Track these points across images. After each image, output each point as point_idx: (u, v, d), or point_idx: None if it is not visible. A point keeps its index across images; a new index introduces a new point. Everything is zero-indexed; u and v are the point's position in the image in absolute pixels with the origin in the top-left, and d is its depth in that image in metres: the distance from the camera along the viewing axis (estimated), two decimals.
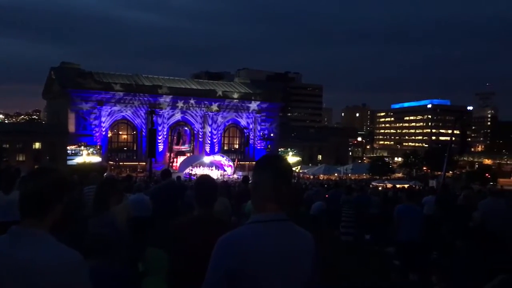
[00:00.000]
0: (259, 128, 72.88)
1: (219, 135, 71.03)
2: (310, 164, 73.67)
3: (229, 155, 64.25)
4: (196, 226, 3.11)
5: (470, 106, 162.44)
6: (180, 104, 66.89)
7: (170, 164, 58.79)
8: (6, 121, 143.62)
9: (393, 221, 7.65)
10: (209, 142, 69.15)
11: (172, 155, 64.45)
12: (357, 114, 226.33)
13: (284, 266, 2.03)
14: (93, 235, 3.61)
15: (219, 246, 2.05)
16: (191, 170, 53.03)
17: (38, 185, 2.04)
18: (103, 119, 62.07)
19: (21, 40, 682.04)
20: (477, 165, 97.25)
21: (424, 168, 77.56)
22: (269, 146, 66.37)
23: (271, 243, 2.03)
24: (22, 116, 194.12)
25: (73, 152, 53.48)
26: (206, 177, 3.58)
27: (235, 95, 72.03)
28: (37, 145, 61.06)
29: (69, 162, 50.52)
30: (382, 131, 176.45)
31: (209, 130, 69.27)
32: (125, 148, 66.66)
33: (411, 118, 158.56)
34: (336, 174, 60.26)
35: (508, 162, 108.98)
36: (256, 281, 1.99)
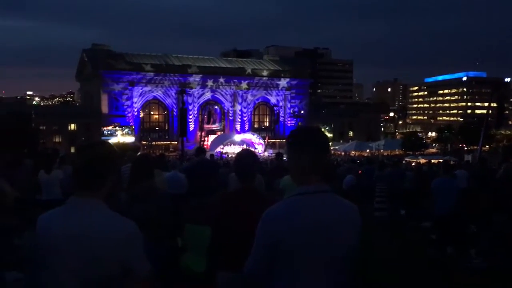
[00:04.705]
0: (289, 105, 72.50)
1: (249, 113, 71.06)
2: (341, 141, 73.04)
3: (260, 133, 64.33)
4: (240, 199, 3.12)
5: (507, 77, 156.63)
6: (209, 83, 67.08)
7: (201, 143, 59.40)
8: (42, 104, 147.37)
9: (430, 195, 7.55)
10: (240, 120, 69.30)
11: (203, 134, 65.03)
12: (389, 89, 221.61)
13: (330, 236, 2.04)
14: (135, 210, 3.70)
15: (266, 218, 2.08)
16: (222, 148, 53.43)
17: (94, 157, 2.09)
18: (134, 99, 62.97)
19: (52, 23, 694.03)
20: None
21: (459, 143, 75.70)
22: (299, 123, 66.05)
23: (318, 213, 2.05)
24: (57, 99, 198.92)
25: (109, 132, 54.66)
26: (247, 151, 3.57)
27: (264, 73, 71.62)
28: (72, 126, 62.55)
29: None
30: (415, 105, 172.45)
31: (239, 108, 69.34)
32: (157, 128, 67.64)
33: (446, 91, 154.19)
34: (368, 150, 59.51)
35: None
36: (302, 251, 2.01)
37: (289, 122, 70.45)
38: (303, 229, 2.01)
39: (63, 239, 1.99)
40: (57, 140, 60.07)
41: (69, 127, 62.38)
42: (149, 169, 4.28)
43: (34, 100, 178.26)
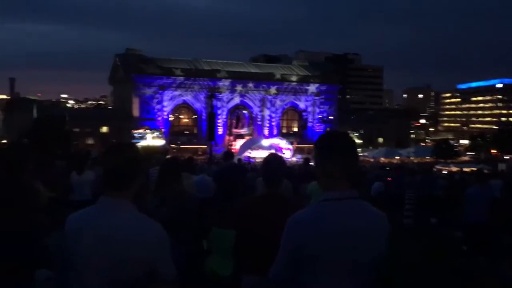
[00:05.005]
0: (317, 111, 72.13)
1: (277, 118, 71.03)
2: (370, 147, 72.14)
3: (288, 138, 64.12)
4: (266, 203, 3.11)
5: None
6: (238, 87, 67.42)
7: (229, 147, 59.64)
8: (76, 107, 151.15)
9: (461, 204, 7.38)
10: (268, 125, 69.34)
11: (231, 138, 65.27)
12: (420, 96, 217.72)
13: (357, 243, 2.02)
14: (161, 213, 3.73)
15: (292, 223, 2.07)
16: (250, 153, 53.46)
17: (123, 159, 2.12)
18: (165, 103, 63.84)
19: (87, 28, 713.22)
20: None
21: (493, 151, 73.69)
22: (328, 129, 65.63)
23: (344, 219, 2.03)
24: (90, 102, 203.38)
25: (139, 135, 55.57)
26: (274, 156, 3.53)
27: (294, 78, 71.56)
28: (104, 129, 63.85)
29: None
30: (447, 112, 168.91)
31: (268, 113, 69.41)
32: (185, 132, 68.29)
33: (479, 98, 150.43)
34: (397, 157, 58.61)
35: None
36: (327, 256, 2.00)
37: (317, 128, 70.05)
38: (328, 234, 1.99)
39: (91, 239, 2.02)
40: (89, 142, 61.33)
41: (101, 129, 63.71)
42: (176, 172, 4.32)
43: (68, 103, 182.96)
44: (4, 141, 50.28)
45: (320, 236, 1.99)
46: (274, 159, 3.40)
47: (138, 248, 2.00)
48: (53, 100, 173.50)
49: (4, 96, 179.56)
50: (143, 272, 2.02)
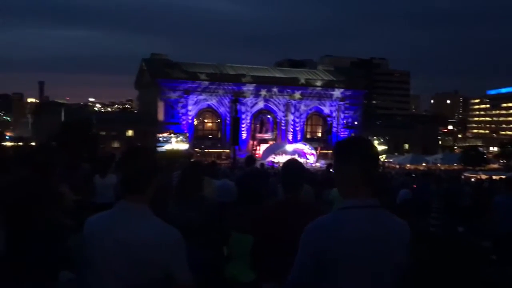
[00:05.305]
0: (342, 116, 71.62)
1: (301, 123, 70.81)
2: (396, 153, 71.11)
3: (312, 143, 63.81)
4: (284, 209, 3.09)
5: None
6: (263, 92, 67.51)
7: (253, 152, 59.69)
8: (102, 110, 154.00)
9: (490, 212, 7.19)
10: (292, 130, 69.21)
11: (255, 143, 65.34)
12: (448, 101, 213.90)
13: (376, 250, 1.97)
14: (178, 219, 3.72)
15: (311, 228, 2.03)
16: (274, 158, 53.44)
17: (140, 163, 2.14)
18: (189, 107, 64.43)
19: (114, 33, 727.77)
20: None
21: None
22: (352, 134, 65.10)
23: (364, 227, 1.98)
24: (116, 106, 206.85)
25: (164, 139, 56.24)
26: (293, 161, 3.51)
27: (318, 83, 71.25)
28: (130, 133, 64.72)
29: (159, 149, 53.08)
30: (476, 119, 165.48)
31: (292, 118, 69.28)
32: (210, 136, 68.68)
33: (509, 104, 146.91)
34: (424, 164, 57.57)
35: None
36: (347, 261, 1.96)
37: (342, 133, 69.48)
38: (348, 239, 1.95)
39: (108, 242, 2.03)
40: (115, 145, 62.19)
41: (127, 133, 64.59)
42: (198, 177, 4.31)
43: (95, 107, 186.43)
44: (33, 143, 51.54)
45: (339, 241, 1.95)
46: (293, 165, 3.38)
47: (154, 252, 2.01)
48: (81, 103, 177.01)
49: (34, 100, 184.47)
50: (159, 276, 2.03)
